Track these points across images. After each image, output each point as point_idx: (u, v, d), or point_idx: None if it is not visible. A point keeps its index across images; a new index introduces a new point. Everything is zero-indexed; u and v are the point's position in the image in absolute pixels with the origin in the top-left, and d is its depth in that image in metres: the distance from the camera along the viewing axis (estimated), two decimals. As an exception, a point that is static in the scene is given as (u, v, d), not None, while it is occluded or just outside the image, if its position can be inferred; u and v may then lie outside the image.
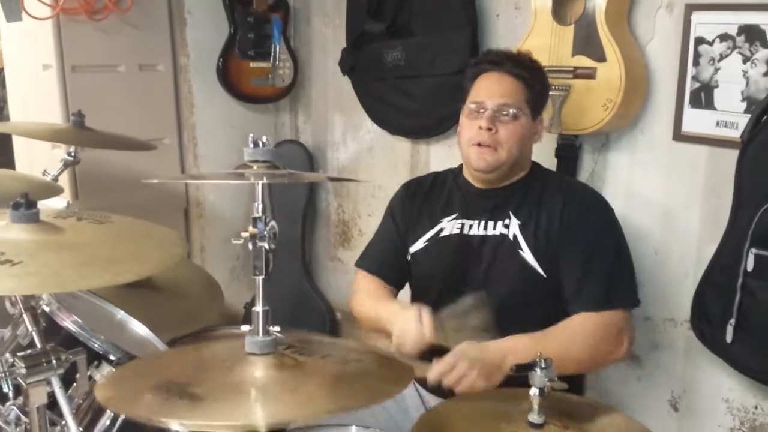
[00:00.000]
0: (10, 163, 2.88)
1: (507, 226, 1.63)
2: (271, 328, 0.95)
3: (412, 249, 1.74)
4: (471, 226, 1.68)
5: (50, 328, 1.55)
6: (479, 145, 1.60)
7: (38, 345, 1.01)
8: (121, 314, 1.82)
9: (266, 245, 0.93)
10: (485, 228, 1.66)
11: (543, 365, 1.10)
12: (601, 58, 1.81)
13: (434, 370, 1.44)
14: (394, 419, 1.67)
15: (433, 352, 1.49)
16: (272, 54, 2.80)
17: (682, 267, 1.86)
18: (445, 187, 1.78)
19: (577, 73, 1.87)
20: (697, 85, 1.76)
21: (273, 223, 0.93)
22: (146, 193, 2.60)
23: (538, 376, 1.10)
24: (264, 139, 0.95)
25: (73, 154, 2.12)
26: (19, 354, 0.97)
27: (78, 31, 2.51)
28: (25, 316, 1.03)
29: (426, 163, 2.51)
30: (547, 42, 1.92)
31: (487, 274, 1.63)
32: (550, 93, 1.88)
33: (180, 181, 2.82)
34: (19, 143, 2.88)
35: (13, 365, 0.96)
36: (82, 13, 2.47)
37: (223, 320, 2.80)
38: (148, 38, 2.70)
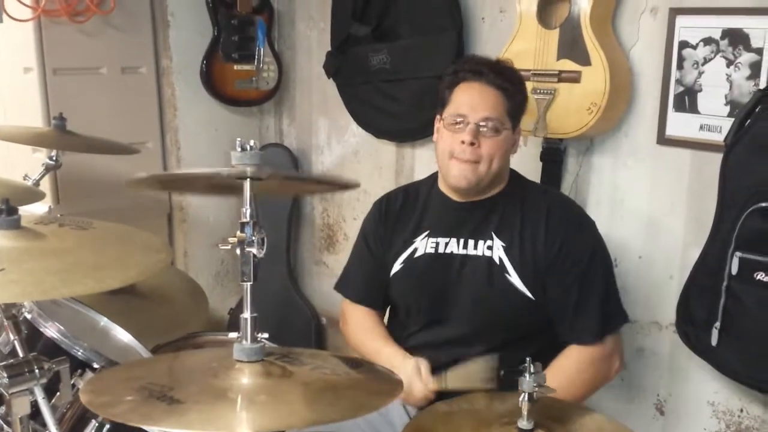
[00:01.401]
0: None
1: (490, 248, 1.59)
2: (259, 335, 0.93)
3: (391, 271, 1.69)
4: (447, 244, 1.63)
5: (32, 336, 1.52)
6: (461, 160, 1.56)
7: (20, 354, 0.99)
8: (104, 321, 1.80)
9: (254, 251, 0.91)
10: (465, 246, 1.61)
11: (532, 370, 1.10)
12: (586, 61, 1.82)
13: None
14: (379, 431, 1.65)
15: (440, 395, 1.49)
16: (256, 57, 2.79)
17: (667, 270, 1.86)
18: (418, 202, 1.72)
19: (561, 76, 1.87)
20: (681, 88, 1.77)
21: (261, 228, 0.92)
22: (129, 198, 2.57)
23: (527, 382, 1.10)
24: (252, 143, 0.94)
25: (54, 158, 2.09)
26: (1, 363, 0.95)
27: (59, 33, 2.48)
28: (6, 324, 1.00)
29: (411, 167, 2.51)
30: (532, 46, 1.92)
31: (473, 300, 1.59)
32: (535, 97, 1.89)
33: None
34: (-2, 147, 2.85)
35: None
36: (64, 15, 2.43)
37: (207, 326, 2.78)
38: (131, 40, 2.67)
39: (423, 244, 1.65)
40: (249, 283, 0.94)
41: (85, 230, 1.13)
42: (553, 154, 2.01)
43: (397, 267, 1.68)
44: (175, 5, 2.73)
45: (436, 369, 1.57)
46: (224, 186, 1.06)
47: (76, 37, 2.52)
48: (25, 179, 2.06)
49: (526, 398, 1.10)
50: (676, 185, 1.83)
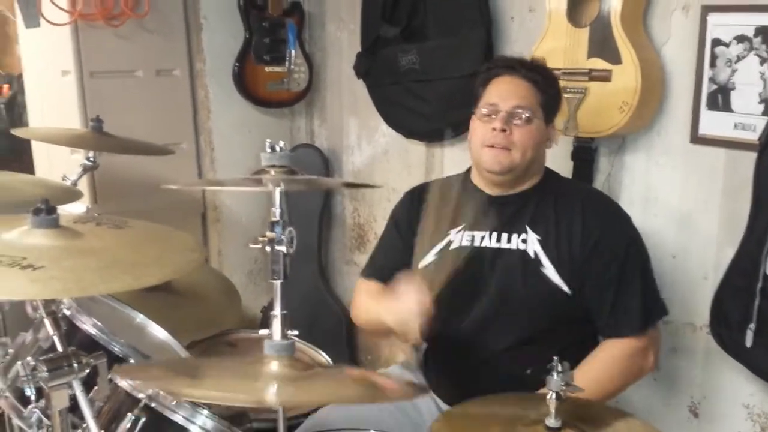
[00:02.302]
0: (29, 169, 2.92)
1: (525, 241, 1.60)
2: (289, 332, 0.95)
3: (423, 263, 1.68)
4: (483, 238, 1.63)
5: (70, 332, 1.57)
6: (493, 146, 1.58)
7: (59, 349, 1.02)
8: (140, 318, 1.83)
9: (284, 249, 0.93)
10: (498, 240, 1.62)
11: (560, 369, 1.10)
12: (617, 60, 1.80)
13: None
14: (412, 423, 1.67)
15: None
16: (287, 58, 2.82)
17: (701, 271, 1.84)
18: (453, 194, 1.72)
19: (592, 75, 1.86)
20: (714, 87, 1.75)
21: (290, 227, 0.94)
22: (164, 198, 2.62)
23: (554, 381, 1.10)
24: (281, 144, 0.96)
25: (92, 159, 2.14)
26: (41, 358, 0.98)
27: (96, 36, 2.54)
28: (46, 321, 1.04)
29: (440, 167, 2.52)
30: (561, 44, 1.91)
31: (508, 293, 1.59)
32: (566, 96, 1.88)
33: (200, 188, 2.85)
34: (38, 148, 2.92)
35: (35, 369, 0.97)
36: (100, 19, 2.49)
37: (241, 324, 2.82)
38: (165, 43, 2.72)
39: (458, 237, 1.67)
40: (279, 281, 0.96)
41: (121, 229, 1.16)
42: (585, 153, 2.00)
43: (431, 258, 1.69)
44: (207, 8, 2.78)
45: (464, 361, 1.58)
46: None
47: (112, 41, 2.57)
48: (63, 179, 2.12)
49: (554, 397, 1.10)
50: (709, 184, 1.80)
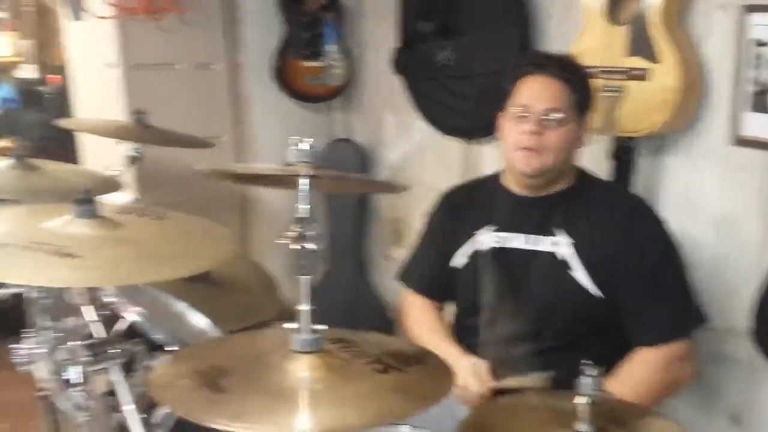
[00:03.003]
0: (73, 159, 3.00)
1: (556, 244, 1.58)
2: (317, 326, 0.97)
3: (453, 264, 1.70)
4: (512, 240, 1.63)
5: (113, 318, 1.62)
6: (525, 149, 1.56)
7: (100, 335, 1.06)
8: (181, 306, 1.87)
9: (311, 245, 0.95)
10: (528, 242, 1.61)
11: (590, 373, 1.09)
12: (656, 59, 1.78)
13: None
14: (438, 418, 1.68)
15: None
16: (325, 53, 2.84)
17: (741, 275, 1.80)
18: (483, 195, 1.73)
19: (630, 74, 1.84)
20: (758, 88, 1.71)
21: (318, 224, 0.95)
22: (204, 190, 2.67)
23: (585, 385, 1.08)
24: (311, 140, 0.97)
25: (135, 150, 2.19)
26: (82, 343, 1.02)
27: (138, 30, 2.60)
28: (88, 308, 1.07)
29: (477, 164, 2.51)
30: (599, 43, 1.89)
31: (538, 296, 1.59)
32: (603, 94, 1.86)
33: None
34: (82, 139, 3.00)
35: (77, 353, 1.01)
36: (142, 13, 2.54)
37: (282, 316, 2.86)
38: (204, 37, 2.78)
39: (488, 239, 1.66)
40: (307, 277, 0.97)
41: (161, 220, 1.19)
42: (623, 153, 1.97)
43: (461, 261, 1.69)
44: (247, 3, 2.82)
45: (499, 366, 1.58)
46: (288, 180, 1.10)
47: (153, 34, 2.63)
48: (107, 170, 2.17)
49: (584, 401, 1.09)
50: (750, 187, 1.76)
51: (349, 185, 1.46)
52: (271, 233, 2.94)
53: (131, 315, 1.57)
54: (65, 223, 1.07)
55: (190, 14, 2.66)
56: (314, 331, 0.95)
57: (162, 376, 0.91)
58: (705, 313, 1.59)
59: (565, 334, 1.58)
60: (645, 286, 1.54)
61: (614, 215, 1.58)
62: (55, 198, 1.63)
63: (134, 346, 1.08)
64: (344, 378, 0.91)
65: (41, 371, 1.30)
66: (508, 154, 1.61)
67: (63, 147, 3.20)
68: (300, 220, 0.96)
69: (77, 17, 2.58)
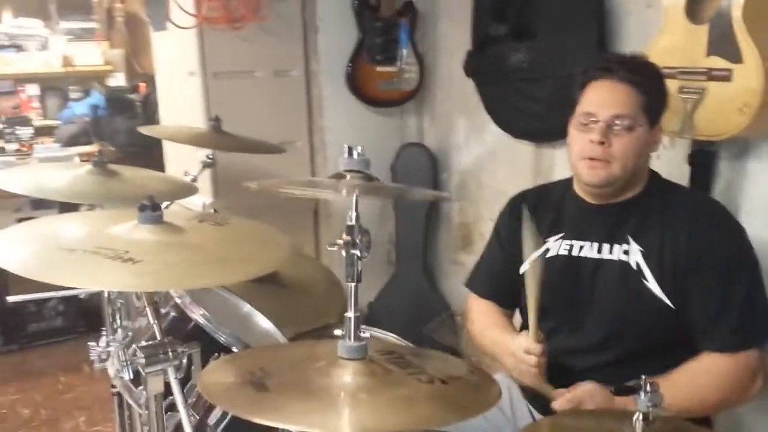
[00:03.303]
0: (160, 165, 3.13)
1: (627, 252, 1.52)
2: (361, 333, 0.97)
3: (521, 270, 1.64)
4: (582, 248, 1.58)
5: (181, 320, 1.68)
6: (591, 159, 1.51)
7: (158, 337, 1.10)
8: (247, 308, 1.93)
9: (358, 253, 0.95)
10: (600, 251, 1.56)
11: (648, 389, 1.05)
12: (738, 59, 1.68)
13: (560, 401, 1.43)
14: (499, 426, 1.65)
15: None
16: (398, 58, 2.85)
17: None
18: (553, 202, 1.68)
19: (711, 75, 1.75)
20: None
21: (367, 231, 0.95)
22: (279, 194, 2.72)
23: (641, 401, 1.04)
24: (359, 149, 0.97)
25: (211, 156, 2.26)
26: (139, 345, 1.06)
27: (219, 39, 2.69)
28: (148, 310, 1.11)
29: (549, 168, 2.46)
30: (679, 42, 1.81)
31: (607, 306, 1.53)
32: (682, 96, 1.79)
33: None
34: (167, 145, 3.13)
35: (135, 354, 1.05)
36: (222, 23, 2.63)
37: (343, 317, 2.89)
38: (283, 45, 2.84)
39: (556, 246, 1.62)
40: (353, 284, 0.98)
41: (222, 227, 1.22)
42: (703, 158, 1.89)
43: (527, 266, 1.65)
44: (324, 11, 2.85)
45: (568, 375, 1.54)
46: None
47: (233, 43, 2.71)
48: (185, 175, 2.25)
49: (641, 418, 1.05)
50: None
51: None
52: (340, 232, 2.99)
53: (198, 317, 1.63)
54: (129, 229, 1.11)
55: (269, 23, 2.73)
56: (360, 339, 0.95)
57: (211, 374, 0.93)
58: None
59: (633, 346, 1.53)
60: (716, 292, 1.46)
61: (687, 221, 1.50)
62: (131, 203, 1.71)
63: (189, 349, 1.10)
64: (384, 384, 0.91)
65: (111, 369, 1.36)
66: (574, 163, 1.57)
67: (150, 153, 3.36)
68: (349, 228, 0.96)
69: (161, 27, 2.69)
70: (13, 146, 3.63)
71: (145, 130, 2.21)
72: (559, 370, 1.57)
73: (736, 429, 1.90)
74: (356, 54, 2.84)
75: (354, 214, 0.97)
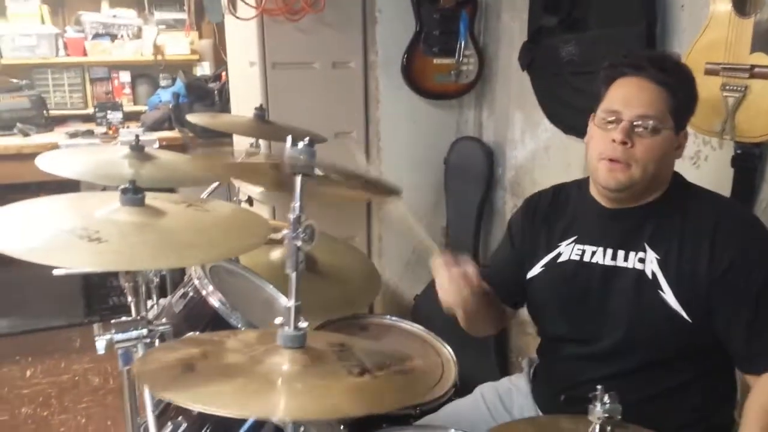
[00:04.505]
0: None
1: (642, 261, 1.44)
2: (301, 323, 0.98)
3: (529, 274, 1.61)
4: (594, 253, 1.51)
5: (201, 303, 1.75)
6: (610, 160, 1.42)
7: (137, 314, 1.16)
8: (271, 290, 1.98)
9: (299, 244, 0.96)
10: (614, 257, 1.48)
11: (605, 400, 1.01)
12: (782, 55, 1.56)
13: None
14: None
15: None
16: (457, 50, 2.82)
17: None
18: (568, 204, 1.61)
19: (754, 72, 1.63)
20: None
21: (310, 222, 0.97)
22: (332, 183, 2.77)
23: (596, 411, 1.00)
24: (306, 140, 0.98)
25: (254, 144, 2.34)
26: (112, 321, 1.12)
27: (278, 30, 2.75)
28: (127, 288, 1.17)
29: (599, 166, 2.36)
30: (723, 36, 1.70)
31: (620, 315, 1.46)
32: (724, 94, 1.68)
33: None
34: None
35: (107, 329, 1.11)
36: (281, 14, 2.69)
37: (391, 310, 2.92)
38: (342, 37, 2.87)
39: (568, 250, 1.55)
40: (294, 273, 0.99)
41: (207, 212, 1.27)
42: (747, 161, 1.75)
43: (537, 270, 1.60)
44: (383, 2, 2.86)
45: (570, 382, 1.50)
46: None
47: (292, 34, 2.77)
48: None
49: (597, 429, 1.01)
50: None
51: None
52: (389, 227, 3.02)
53: (214, 301, 1.69)
54: (111, 211, 1.17)
55: (328, 15, 2.77)
56: (298, 329, 0.96)
57: (148, 360, 0.98)
58: None
59: (646, 357, 1.46)
60: (747, 306, 1.37)
61: (710, 229, 1.40)
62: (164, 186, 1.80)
63: (162, 328, 1.15)
64: (310, 374, 0.92)
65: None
66: (593, 163, 1.48)
67: (224, 139, 3.49)
68: (294, 219, 0.97)
69: (217, 18, 2.79)
70: (102, 129, 3.88)
71: (192, 117, 2.31)
72: (570, 377, 1.53)
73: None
74: (413, 45, 2.83)
75: (298, 205, 0.98)
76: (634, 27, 2.06)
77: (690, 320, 1.39)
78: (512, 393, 1.73)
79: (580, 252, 1.53)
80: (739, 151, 1.77)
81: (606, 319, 1.48)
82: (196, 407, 0.82)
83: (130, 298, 1.19)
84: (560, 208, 1.62)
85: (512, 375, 1.83)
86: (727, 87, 1.68)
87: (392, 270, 3.03)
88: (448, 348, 2.09)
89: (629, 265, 1.46)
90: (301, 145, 0.97)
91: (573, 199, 1.62)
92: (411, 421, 1.72)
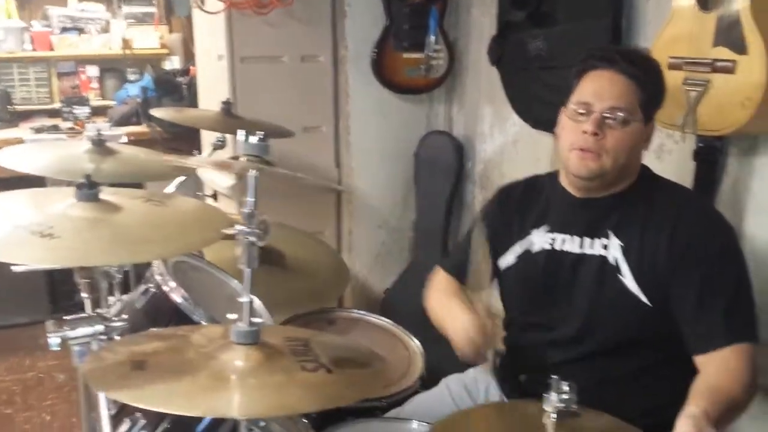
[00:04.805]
0: (199, 146, 3.22)
1: (606, 247, 1.47)
2: (254, 319, 0.97)
3: (502, 264, 1.63)
4: (564, 241, 1.54)
5: (161, 297, 1.72)
6: (582, 150, 1.45)
7: (90, 310, 1.13)
8: (235, 285, 1.95)
9: (253, 239, 0.95)
10: (581, 245, 1.51)
11: (562, 388, 1.01)
12: (742, 50, 1.57)
13: None
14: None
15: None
16: (426, 45, 2.81)
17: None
18: (541, 193, 1.64)
19: (715, 66, 1.64)
20: None
21: (264, 218, 0.95)
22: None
23: (552, 400, 1.00)
24: (260, 133, 0.97)
25: (221, 139, 2.30)
26: (66, 317, 1.10)
27: (246, 24, 2.72)
28: (81, 285, 1.15)
29: (566, 160, 2.37)
30: (687, 31, 1.71)
31: (582, 300, 1.49)
32: (686, 88, 1.69)
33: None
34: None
35: (61, 326, 1.09)
36: (249, 7, 2.66)
37: (361, 303, 2.91)
38: (311, 31, 2.85)
39: (539, 238, 1.58)
40: (249, 270, 0.98)
41: (164, 207, 1.25)
42: (708, 154, 1.78)
43: (511, 260, 1.62)
44: (353, -5, 2.85)
45: (543, 369, 1.51)
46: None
47: (261, 28, 2.74)
48: (193, 155, 2.31)
49: (551, 417, 1.01)
50: None
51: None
52: (361, 222, 3.01)
53: (176, 297, 1.66)
54: (66, 206, 1.15)
55: (297, 8, 2.75)
56: (252, 324, 0.95)
57: (98, 358, 0.96)
58: (755, 333, 1.39)
59: (607, 342, 1.48)
60: (695, 287, 1.39)
61: (671, 218, 1.44)
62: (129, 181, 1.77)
63: (116, 323, 1.13)
64: (264, 370, 0.91)
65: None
66: (564, 153, 1.51)
67: (193, 134, 3.45)
68: (247, 215, 0.96)
69: (184, 12, 2.76)
70: (68, 124, 3.81)
71: (156, 112, 2.27)
72: (534, 363, 1.55)
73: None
74: (383, 40, 2.82)
75: (251, 200, 0.96)
76: (600, 21, 2.08)
77: (650, 304, 1.41)
78: (478, 383, 1.74)
79: (551, 240, 1.56)
80: (700, 145, 1.79)
81: (570, 305, 1.51)
82: (143, 406, 0.81)
83: (84, 295, 1.16)
84: (533, 197, 1.65)
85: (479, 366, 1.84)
86: (689, 81, 1.69)
87: (362, 263, 3.03)
88: (416, 341, 2.09)
89: (594, 252, 1.49)
90: (254, 139, 0.96)
91: (546, 188, 1.65)
92: (378, 413, 1.72)
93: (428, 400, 1.75)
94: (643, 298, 1.42)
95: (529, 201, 1.65)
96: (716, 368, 1.36)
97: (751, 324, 1.40)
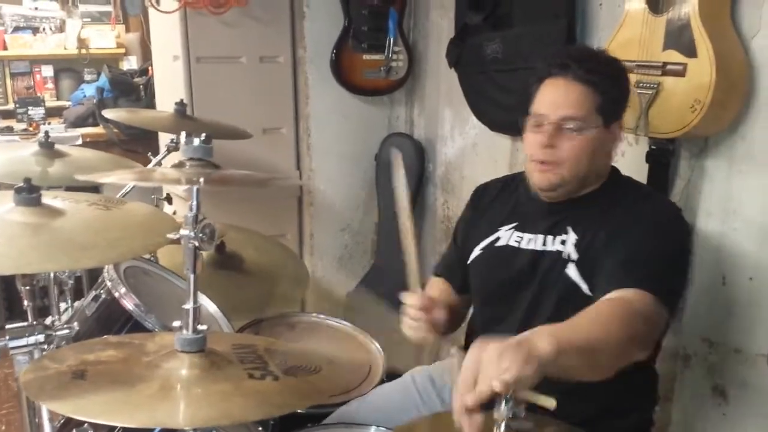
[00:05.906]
0: (156, 148, 3.16)
1: (563, 242, 1.48)
2: (199, 326, 0.95)
3: (471, 257, 1.64)
4: (530, 240, 1.54)
5: (113, 303, 1.68)
6: (541, 162, 1.46)
7: (34, 319, 1.10)
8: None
9: (197, 243, 0.93)
10: (543, 243, 1.51)
11: (508, 398, 1.00)
12: (692, 53, 1.60)
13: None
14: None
15: None
16: (386, 46, 2.81)
17: (782, 296, 1.60)
18: (515, 192, 1.65)
19: (665, 69, 1.66)
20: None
21: (207, 222, 0.93)
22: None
23: (501, 410, 0.99)
24: (202, 136, 0.95)
25: (174, 140, 2.26)
26: (6, 326, 1.06)
27: (202, 23, 2.68)
28: (23, 292, 1.12)
29: (524, 161, 2.38)
30: (638, 34, 1.73)
31: (527, 294, 1.50)
32: (638, 91, 1.71)
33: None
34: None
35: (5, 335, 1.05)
36: (204, 6, 2.62)
37: (323, 307, 2.89)
38: (269, 31, 2.81)
39: (507, 235, 1.59)
40: (192, 275, 0.96)
41: (108, 211, 1.21)
42: (661, 156, 1.80)
43: (476, 253, 1.63)
44: (311, -5, 2.82)
45: None
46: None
47: (217, 28, 2.70)
48: (150, 157, 2.26)
49: (502, 428, 1.00)
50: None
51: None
52: (322, 225, 2.99)
53: (127, 303, 1.62)
54: (6, 211, 1.11)
55: (254, 8, 2.71)
56: (197, 332, 0.93)
57: (37, 367, 0.93)
58: (673, 299, 1.38)
59: None
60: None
61: (627, 217, 1.44)
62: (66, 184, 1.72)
63: (58, 332, 1.10)
64: (210, 378, 0.89)
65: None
66: (527, 164, 1.53)
67: (150, 135, 3.38)
68: (191, 218, 0.93)
69: (134, 12, 2.70)
70: (23, 126, 3.72)
71: (109, 113, 2.23)
72: None
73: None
74: (341, 41, 2.80)
75: (195, 204, 0.94)
76: (555, 24, 2.09)
77: (590, 293, 1.39)
78: (444, 376, 1.74)
79: (518, 239, 1.57)
80: (653, 147, 1.81)
81: (525, 299, 1.51)
82: (81, 417, 0.78)
83: (27, 303, 1.13)
84: (507, 196, 1.67)
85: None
86: (641, 84, 1.71)
87: (324, 267, 3.01)
88: (376, 344, 2.07)
89: (554, 248, 1.49)
90: (196, 141, 0.93)
91: (519, 188, 1.65)
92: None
93: (391, 390, 1.74)
94: (584, 287, 1.41)
95: (503, 198, 1.67)
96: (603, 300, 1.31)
97: (662, 281, 1.33)
